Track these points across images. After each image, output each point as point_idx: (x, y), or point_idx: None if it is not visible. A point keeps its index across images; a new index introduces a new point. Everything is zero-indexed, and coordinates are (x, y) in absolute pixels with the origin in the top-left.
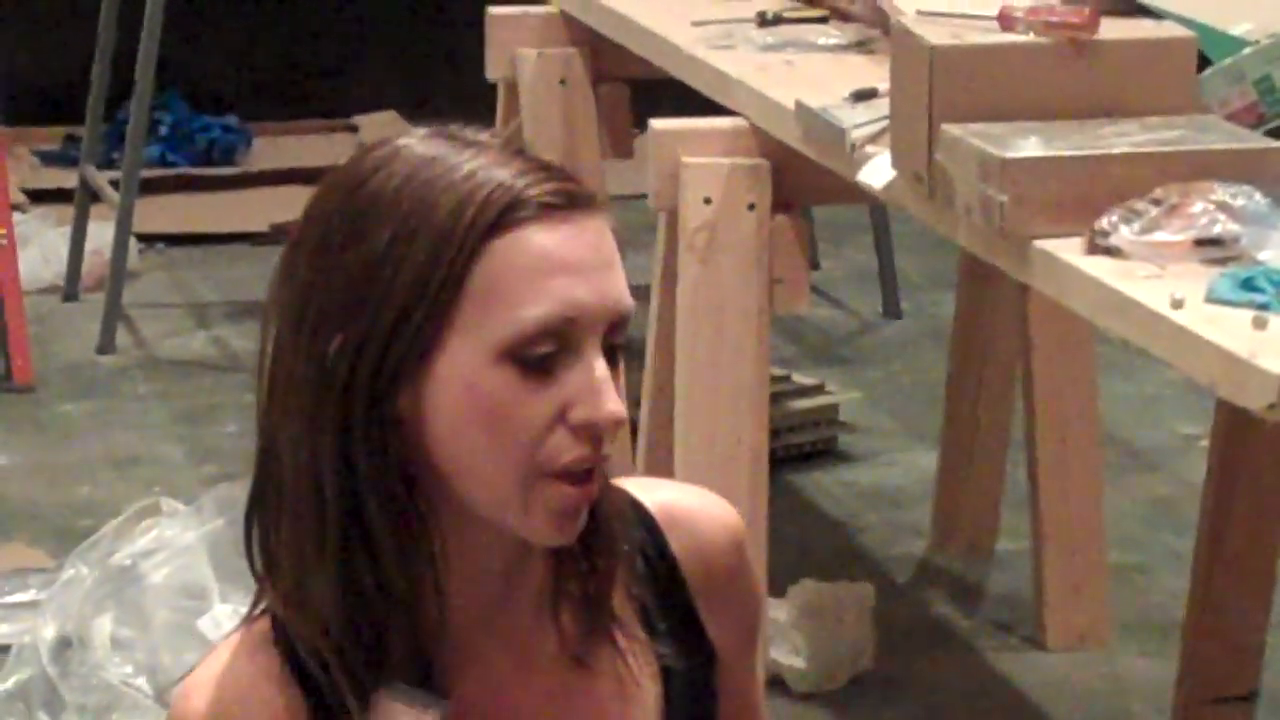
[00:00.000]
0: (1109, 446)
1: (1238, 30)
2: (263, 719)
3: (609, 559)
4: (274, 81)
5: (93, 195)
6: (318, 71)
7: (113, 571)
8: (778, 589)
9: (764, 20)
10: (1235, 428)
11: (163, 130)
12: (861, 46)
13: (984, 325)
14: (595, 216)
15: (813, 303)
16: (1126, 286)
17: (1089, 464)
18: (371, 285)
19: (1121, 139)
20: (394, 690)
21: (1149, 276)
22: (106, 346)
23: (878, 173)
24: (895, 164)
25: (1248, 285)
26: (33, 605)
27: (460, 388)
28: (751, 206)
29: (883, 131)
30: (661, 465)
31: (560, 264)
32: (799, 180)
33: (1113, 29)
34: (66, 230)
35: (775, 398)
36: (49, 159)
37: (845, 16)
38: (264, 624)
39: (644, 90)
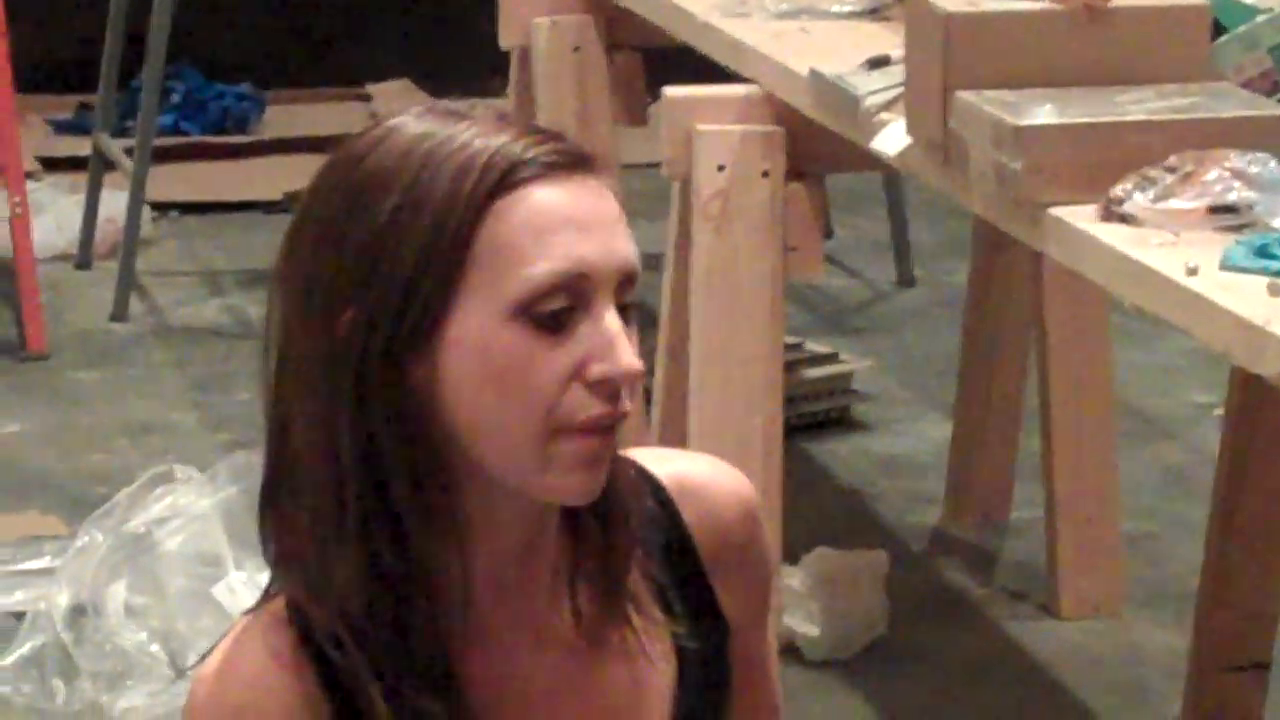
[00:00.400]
0: (1123, 415)
1: None
2: (280, 706)
3: (626, 538)
4: (287, 49)
5: (106, 163)
6: (331, 39)
7: (127, 539)
8: (792, 557)
9: None
10: (1250, 395)
11: (176, 98)
12: (876, 14)
13: (998, 293)
14: (596, 176)
15: (826, 271)
16: (1141, 254)
17: (1103, 432)
18: (378, 257)
19: (1136, 106)
20: None
21: (1163, 244)
22: (120, 314)
23: (892, 140)
24: (909, 131)
25: (1263, 252)
26: (47, 572)
27: (474, 351)
28: (765, 174)
29: (897, 99)
30: (676, 433)
31: (565, 220)
32: (813, 148)
33: None
34: (80, 198)
35: (789, 366)
36: (62, 127)
37: None
38: (278, 606)
39: (657, 58)
